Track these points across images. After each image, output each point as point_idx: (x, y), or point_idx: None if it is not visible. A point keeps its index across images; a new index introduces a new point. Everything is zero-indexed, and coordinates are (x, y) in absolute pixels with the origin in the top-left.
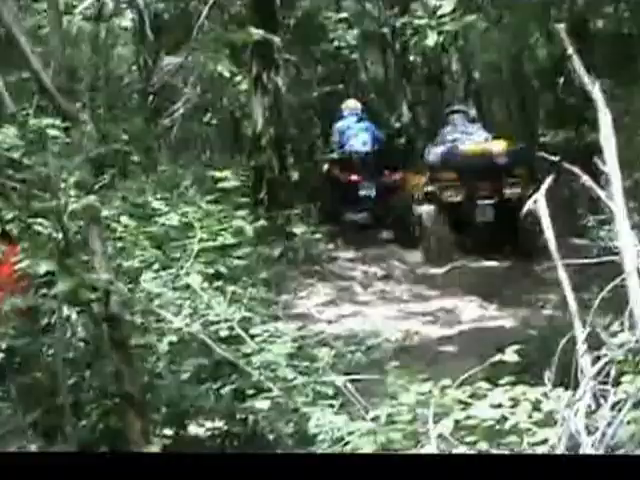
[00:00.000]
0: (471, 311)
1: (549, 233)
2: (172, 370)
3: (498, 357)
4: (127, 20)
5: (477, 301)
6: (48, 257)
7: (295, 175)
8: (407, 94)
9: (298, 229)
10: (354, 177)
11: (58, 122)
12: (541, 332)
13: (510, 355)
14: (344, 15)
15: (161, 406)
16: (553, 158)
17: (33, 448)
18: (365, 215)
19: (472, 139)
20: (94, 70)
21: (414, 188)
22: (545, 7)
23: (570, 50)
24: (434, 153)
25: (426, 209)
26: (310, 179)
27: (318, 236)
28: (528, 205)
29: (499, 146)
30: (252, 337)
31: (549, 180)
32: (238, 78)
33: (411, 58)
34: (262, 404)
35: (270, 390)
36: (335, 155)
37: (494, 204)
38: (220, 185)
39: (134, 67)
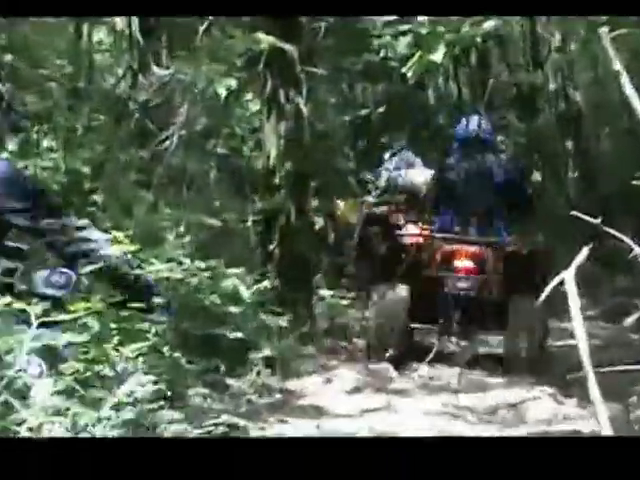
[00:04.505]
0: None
1: (578, 321)
2: None
3: None
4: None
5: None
6: None
7: (319, 222)
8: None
9: (321, 292)
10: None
11: None
12: None
13: None
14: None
15: None
16: (592, 220)
17: None
18: None
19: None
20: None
21: None
22: None
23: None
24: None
25: None
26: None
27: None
28: (552, 285)
29: None
30: None
31: (585, 252)
32: (248, 97)
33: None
34: None
35: None
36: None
37: None
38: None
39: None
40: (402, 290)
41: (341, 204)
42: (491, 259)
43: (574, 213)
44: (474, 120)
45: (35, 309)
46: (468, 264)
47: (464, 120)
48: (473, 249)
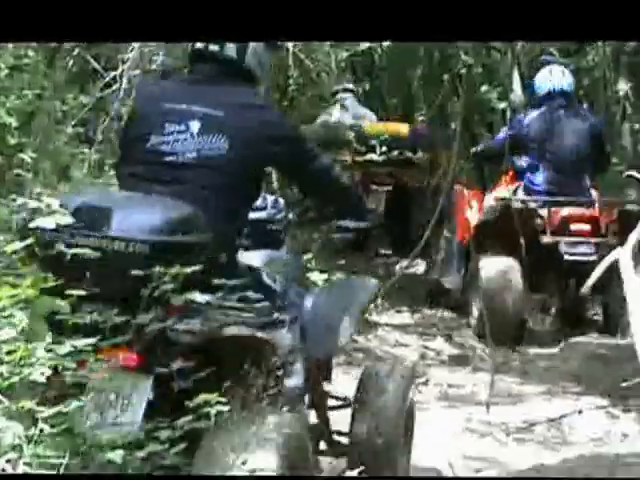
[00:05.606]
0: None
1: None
2: None
3: None
4: None
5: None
6: None
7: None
8: None
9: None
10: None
11: None
12: None
13: None
14: None
15: None
16: None
17: None
18: None
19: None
20: None
21: None
22: None
23: None
24: None
25: None
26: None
27: None
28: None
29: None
30: None
31: None
32: None
33: None
34: None
35: None
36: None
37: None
38: None
39: None
40: (512, 264)
41: None
42: (604, 220)
43: (631, 173)
44: (556, 70)
45: None
46: (584, 227)
47: (545, 71)
48: (587, 211)
